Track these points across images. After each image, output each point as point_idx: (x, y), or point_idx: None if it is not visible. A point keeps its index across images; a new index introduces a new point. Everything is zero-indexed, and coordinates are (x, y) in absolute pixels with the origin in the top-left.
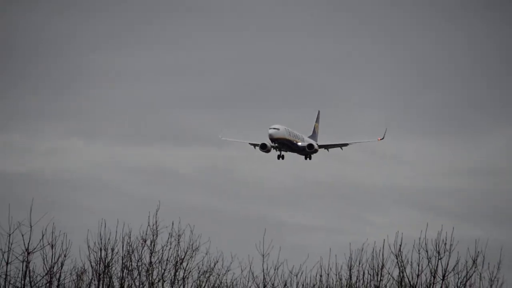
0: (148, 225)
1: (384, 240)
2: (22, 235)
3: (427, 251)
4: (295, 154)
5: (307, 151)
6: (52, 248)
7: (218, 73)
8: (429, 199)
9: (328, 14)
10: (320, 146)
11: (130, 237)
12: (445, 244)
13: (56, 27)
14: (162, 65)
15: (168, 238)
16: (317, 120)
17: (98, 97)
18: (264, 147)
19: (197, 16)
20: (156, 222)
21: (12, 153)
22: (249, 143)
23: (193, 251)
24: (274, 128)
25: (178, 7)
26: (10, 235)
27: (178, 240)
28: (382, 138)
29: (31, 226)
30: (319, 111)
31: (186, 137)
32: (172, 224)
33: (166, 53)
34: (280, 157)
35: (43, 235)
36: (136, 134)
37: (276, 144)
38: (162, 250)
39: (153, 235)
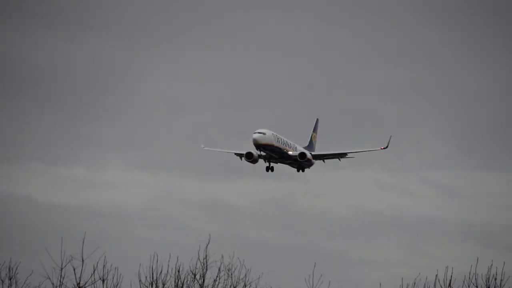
0: (198, 258)
1: (435, 275)
2: (74, 269)
3: (477, 286)
4: (287, 167)
5: (299, 161)
6: (103, 283)
7: (277, 105)
8: (482, 233)
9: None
10: (315, 157)
11: (179, 271)
12: (495, 279)
13: (116, 57)
14: (224, 96)
15: (218, 272)
16: (315, 130)
17: (158, 127)
18: (249, 157)
19: (256, 47)
20: (206, 256)
21: (70, 185)
22: (235, 153)
23: (244, 286)
24: (259, 133)
25: (240, 37)
26: (62, 269)
27: (229, 274)
28: (386, 147)
29: (82, 260)
30: (317, 119)
31: (244, 168)
32: (222, 257)
33: (228, 84)
34: (269, 169)
35: (94, 270)
36: (194, 166)
37: (262, 153)
38: (213, 285)
39: (202, 269)
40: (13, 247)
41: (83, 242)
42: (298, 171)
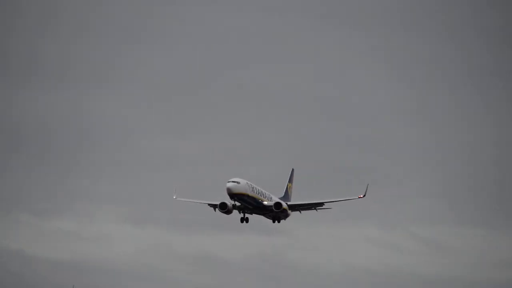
0: None
1: None
2: None
3: None
4: (262, 218)
5: (275, 212)
6: None
7: (273, 158)
8: None
9: None
10: (290, 207)
11: None
12: None
13: (105, 113)
14: (215, 150)
15: None
16: (290, 180)
17: (149, 182)
18: (223, 207)
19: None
20: None
21: (60, 238)
22: (208, 204)
23: None
24: (233, 182)
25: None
26: None
27: None
28: (364, 196)
29: None
30: (292, 169)
31: (235, 223)
32: None
33: (207, 137)
34: (244, 220)
35: None
36: (185, 220)
37: (237, 203)
38: None
39: None
40: None
41: None
42: (273, 222)
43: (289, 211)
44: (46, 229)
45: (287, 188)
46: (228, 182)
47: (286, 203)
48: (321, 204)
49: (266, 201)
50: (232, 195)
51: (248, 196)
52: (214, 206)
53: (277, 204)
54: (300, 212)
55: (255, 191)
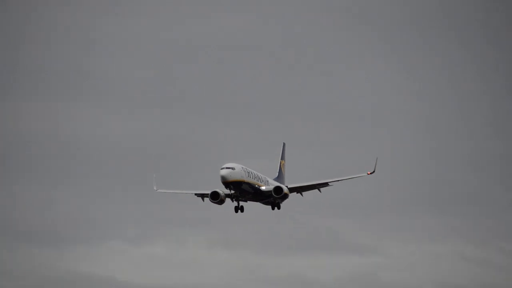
0: None
1: None
2: None
3: None
4: (258, 204)
5: (275, 198)
6: None
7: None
8: None
9: None
10: (291, 190)
11: None
12: None
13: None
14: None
15: None
16: (283, 156)
17: None
18: (215, 197)
19: None
20: None
21: (150, 264)
22: (195, 194)
23: None
24: (228, 168)
25: None
26: None
27: None
28: (373, 172)
29: None
30: (284, 144)
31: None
32: None
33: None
34: (239, 209)
35: None
36: (273, 241)
37: (232, 191)
38: None
39: None
40: None
41: None
42: (273, 208)
43: (289, 194)
44: (137, 255)
45: (280, 166)
46: (222, 169)
47: (286, 186)
48: (326, 184)
49: (263, 186)
50: (227, 183)
51: (244, 182)
52: (202, 195)
53: (277, 189)
54: (302, 194)
55: (251, 176)
